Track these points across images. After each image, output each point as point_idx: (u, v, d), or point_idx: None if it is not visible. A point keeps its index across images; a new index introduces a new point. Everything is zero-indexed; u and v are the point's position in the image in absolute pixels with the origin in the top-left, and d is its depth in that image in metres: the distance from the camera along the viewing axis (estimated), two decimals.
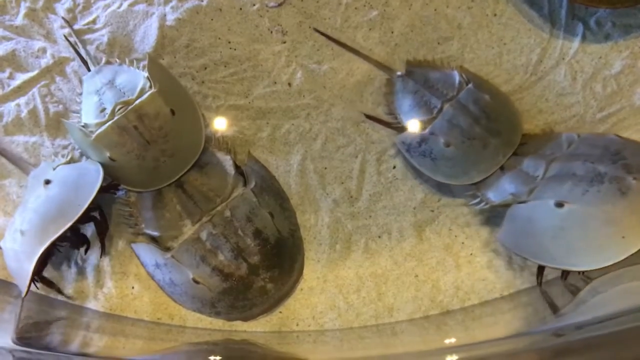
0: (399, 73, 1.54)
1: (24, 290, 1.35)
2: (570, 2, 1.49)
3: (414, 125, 1.48)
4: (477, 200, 1.44)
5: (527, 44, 1.54)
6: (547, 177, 1.35)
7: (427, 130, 1.45)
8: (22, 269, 1.35)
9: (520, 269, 1.45)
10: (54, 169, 1.45)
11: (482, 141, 1.42)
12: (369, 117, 1.54)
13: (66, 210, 1.35)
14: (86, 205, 1.35)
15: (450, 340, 1.40)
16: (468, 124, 1.42)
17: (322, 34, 1.57)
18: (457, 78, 1.48)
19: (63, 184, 1.40)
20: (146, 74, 1.46)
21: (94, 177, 1.40)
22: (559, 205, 1.28)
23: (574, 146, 1.38)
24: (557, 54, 1.53)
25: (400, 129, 1.51)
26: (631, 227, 1.21)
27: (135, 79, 1.49)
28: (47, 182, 1.39)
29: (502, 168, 1.42)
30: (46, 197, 1.38)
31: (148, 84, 1.45)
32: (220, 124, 1.58)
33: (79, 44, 1.60)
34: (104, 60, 1.58)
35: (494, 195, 1.42)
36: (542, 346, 1.19)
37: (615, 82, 1.49)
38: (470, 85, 1.46)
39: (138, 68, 1.52)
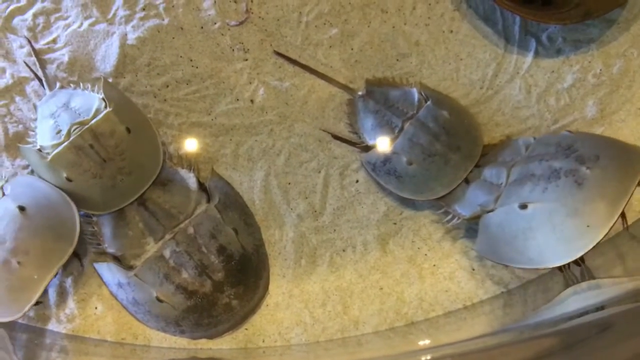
0: (359, 93, 1.57)
1: (17, 316, 1.36)
2: (523, 18, 1.54)
3: (377, 145, 1.52)
4: (450, 217, 1.47)
5: (483, 59, 1.58)
6: (510, 182, 1.38)
7: (390, 150, 1.48)
8: (19, 297, 1.35)
9: (482, 280, 1.47)
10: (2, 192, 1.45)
11: (443, 157, 1.45)
12: (335, 137, 1.56)
13: (62, 234, 1.38)
14: (78, 222, 1.38)
15: (424, 342, 1.44)
16: (428, 142, 1.46)
17: (284, 56, 1.59)
18: (416, 96, 1.52)
19: (40, 207, 1.40)
20: (101, 95, 1.48)
21: (58, 193, 1.42)
22: (523, 206, 1.31)
23: (531, 149, 1.42)
24: (511, 68, 1.57)
25: (365, 147, 1.54)
26: (593, 215, 1.25)
27: (90, 101, 1.50)
28: (22, 208, 1.38)
29: (467, 181, 1.45)
30: (33, 225, 1.38)
31: (103, 104, 1.47)
32: (182, 142, 1.58)
33: (37, 64, 1.61)
34: (58, 85, 1.58)
35: (464, 210, 1.45)
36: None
37: (568, 95, 1.54)
38: (429, 103, 1.50)
39: (93, 91, 1.53)
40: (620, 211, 1.23)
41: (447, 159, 1.45)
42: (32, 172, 1.54)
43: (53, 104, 1.53)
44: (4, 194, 1.43)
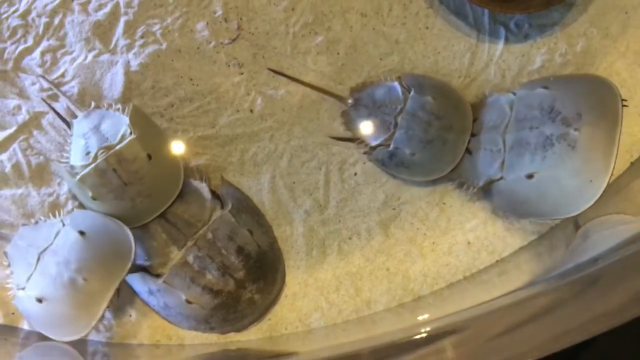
0: (349, 101, 1.64)
1: (86, 331, 1.45)
2: (491, 10, 1.64)
3: (380, 145, 1.60)
4: (466, 186, 1.58)
5: (459, 51, 1.67)
6: (508, 148, 1.49)
7: (391, 147, 1.57)
8: (86, 312, 1.45)
9: (477, 251, 1.58)
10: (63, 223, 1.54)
11: (441, 139, 1.54)
12: (338, 138, 1.65)
13: (120, 251, 1.47)
14: (132, 239, 1.48)
15: (423, 317, 1.50)
16: (423, 130, 1.54)
17: (278, 72, 1.67)
18: (399, 89, 1.60)
19: (97, 231, 1.50)
20: (128, 121, 1.55)
21: (111, 219, 1.52)
22: (530, 176, 1.43)
23: (515, 109, 1.50)
24: (485, 56, 1.66)
25: (371, 148, 1.62)
26: (593, 171, 1.38)
27: (118, 125, 1.57)
28: (82, 233, 1.48)
29: (469, 151, 1.55)
30: (94, 245, 1.48)
31: (129, 131, 1.54)
32: (192, 155, 1.66)
33: (60, 94, 1.68)
34: (93, 104, 1.65)
35: (476, 179, 1.55)
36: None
37: (538, 74, 1.63)
38: (412, 93, 1.58)
39: (123, 112, 1.60)
40: (614, 158, 1.37)
41: (445, 140, 1.54)
42: (66, 199, 1.64)
43: (86, 125, 1.61)
44: (64, 225, 1.52)
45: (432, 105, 1.56)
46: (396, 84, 1.62)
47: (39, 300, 1.46)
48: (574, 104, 1.43)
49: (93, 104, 1.66)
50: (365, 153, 1.64)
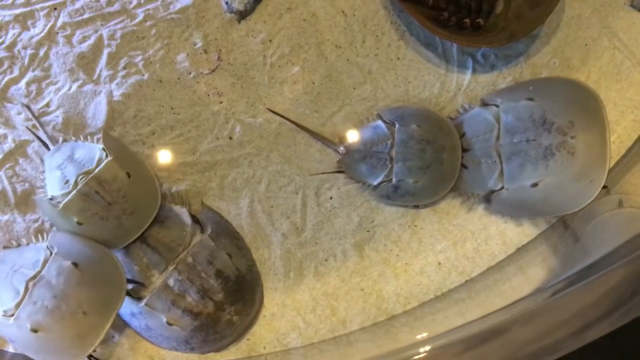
0: (341, 149, 1.68)
1: (82, 356, 1.48)
2: (458, 44, 1.69)
3: (382, 181, 1.63)
4: (469, 199, 1.65)
5: (428, 80, 1.71)
6: (505, 160, 1.54)
7: (394, 180, 1.61)
8: (84, 341, 1.47)
9: (448, 272, 1.64)
10: (51, 251, 1.53)
11: (437, 161, 1.58)
12: (324, 173, 1.69)
13: (113, 281, 1.51)
14: (122, 266, 1.53)
15: (420, 336, 1.53)
16: (419, 158, 1.58)
17: (276, 113, 1.70)
18: (383, 126, 1.64)
19: (89, 261, 1.51)
20: (101, 146, 1.60)
21: (95, 245, 1.55)
22: (535, 185, 1.51)
23: (503, 120, 1.56)
24: (453, 85, 1.71)
25: (373, 187, 1.65)
26: (593, 172, 1.48)
27: (91, 152, 1.61)
28: (75, 264, 1.49)
29: (464, 166, 1.60)
30: (90, 278, 1.49)
31: (104, 154, 1.58)
32: (173, 181, 1.70)
33: (38, 125, 1.70)
34: (61, 139, 1.68)
35: (477, 190, 1.62)
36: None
37: None
38: (397, 126, 1.62)
39: (93, 141, 1.64)
40: (608, 156, 1.48)
41: (441, 160, 1.58)
42: (50, 226, 1.66)
43: (59, 157, 1.63)
44: (52, 253, 1.52)
45: (420, 132, 1.60)
46: (379, 122, 1.66)
47: (34, 331, 1.46)
48: (564, 113, 1.51)
49: (61, 139, 1.69)
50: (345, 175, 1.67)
